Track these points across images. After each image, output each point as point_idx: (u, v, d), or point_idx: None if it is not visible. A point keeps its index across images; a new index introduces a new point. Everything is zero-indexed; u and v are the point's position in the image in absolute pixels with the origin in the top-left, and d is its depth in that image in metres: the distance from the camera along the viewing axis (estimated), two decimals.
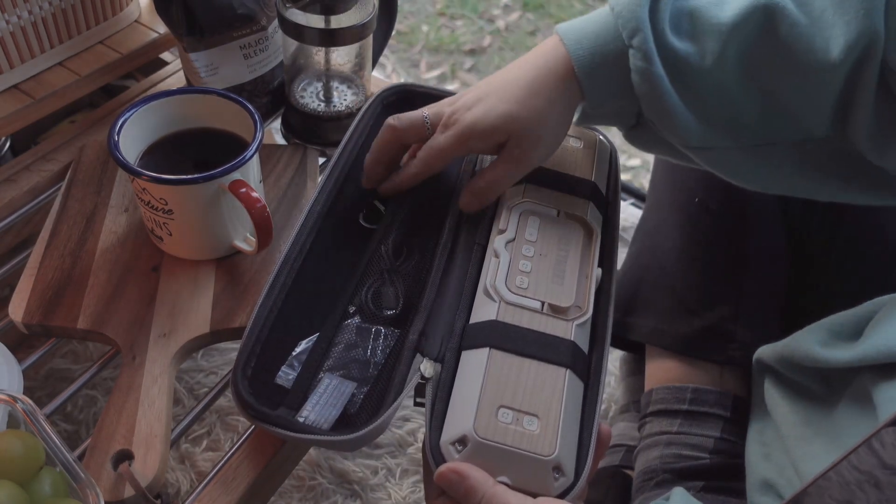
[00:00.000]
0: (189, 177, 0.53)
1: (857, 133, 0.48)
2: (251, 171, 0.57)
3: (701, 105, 0.50)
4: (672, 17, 0.49)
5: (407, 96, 0.66)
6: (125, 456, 0.48)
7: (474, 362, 0.46)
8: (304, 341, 0.51)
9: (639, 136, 0.55)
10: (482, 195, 0.55)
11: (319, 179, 0.60)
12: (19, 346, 0.59)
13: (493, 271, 0.51)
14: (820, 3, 0.46)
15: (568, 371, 0.46)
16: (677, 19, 0.49)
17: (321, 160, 0.71)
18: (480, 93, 0.53)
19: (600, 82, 0.51)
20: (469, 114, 0.52)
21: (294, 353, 0.50)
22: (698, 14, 0.48)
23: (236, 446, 0.52)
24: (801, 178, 0.52)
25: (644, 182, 1.36)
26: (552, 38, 0.52)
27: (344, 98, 0.72)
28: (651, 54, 0.48)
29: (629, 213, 1.13)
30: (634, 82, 0.49)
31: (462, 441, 0.43)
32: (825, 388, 0.52)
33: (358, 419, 0.47)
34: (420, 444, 0.84)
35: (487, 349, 0.46)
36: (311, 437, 0.46)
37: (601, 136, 0.62)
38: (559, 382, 0.45)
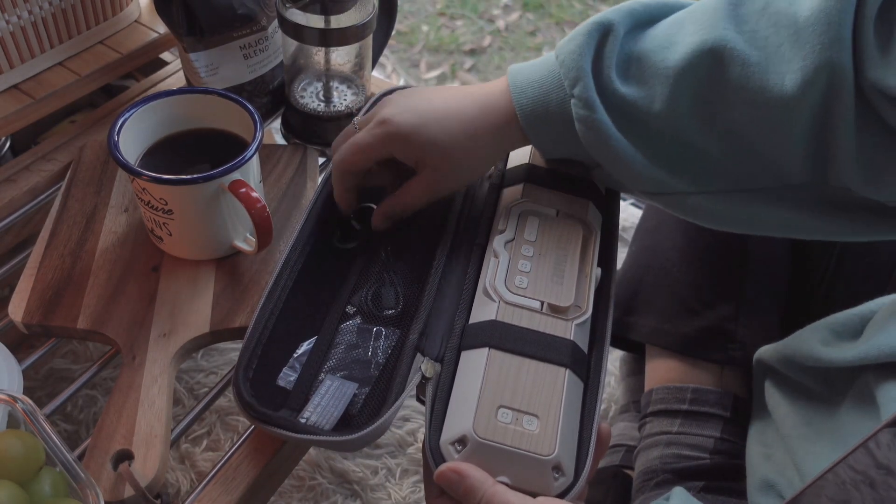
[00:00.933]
0: (189, 177, 0.53)
1: (844, 171, 0.46)
2: (251, 171, 0.57)
3: (655, 149, 0.49)
4: (619, 63, 0.49)
5: None
6: (125, 456, 0.48)
7: (474, 362, 0.46)
8: (305, 343, 0.51)
9: (603, 178, 0.55)
10: (396, 217, 0.56)
11: (319, 180, 0.60)
12: (19, 346, 0.59)
13: (493, 271, 0.51)
14: (775, 38, 0.44)
15: (567, 371, 0.46)
16: (625, 64, 0.49)
17: (321, 160, 0.71)
18: (420, 108, 0.52)
19: (544, 131, 0.51)
20: (402, 122, 0.51)
21: (295, 355, 0.50)
22: (646, 58, 0.48)
23: (236, 446, 0.52)
24: (784, 221, 0.50)
25: None
26: (503, 79, 0.52)
27: (344, 98, 0.72)
28: (593, 102, 0.47)
29: (629, 213, 1.13)
30: (579, 131, 0.49)
31: (462, 441, 0.43)
32: (826, 388, 0.52)
33: (360, 419, 0.47)
34: (420, 444, 0.84)
35: (487, 349, 0.46)
36: (313, 437, 0.46)
37: None
38: (559, 382, 0.45)
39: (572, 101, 0.48)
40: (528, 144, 0.53)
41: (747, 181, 0.49)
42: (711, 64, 0.46)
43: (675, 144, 0.49)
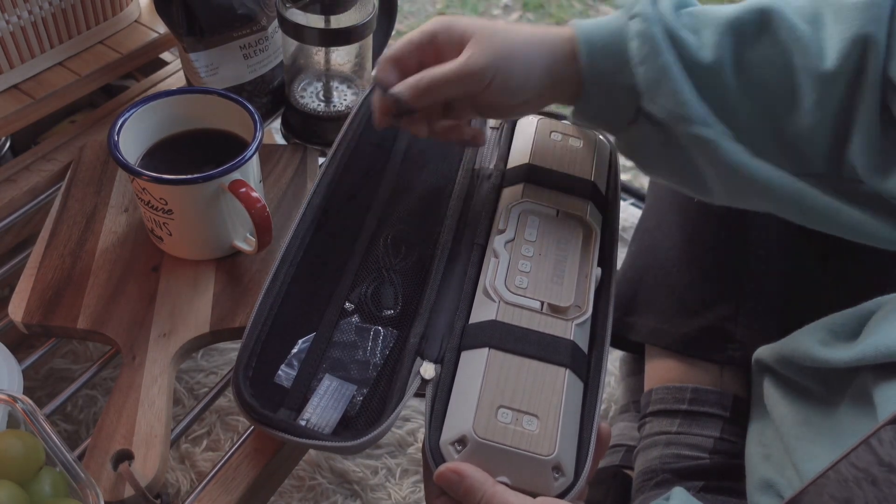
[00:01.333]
0: (189, 177, 0.53)
1: (857, 157, 0.47)
2: (251, 171, 0.57)
3: (699, 83, 0.49)
4: (675, 8, 0.50)
5: None
6: (125, 456, 0.48)
7: (474, 362, 0.46)
8: (301, 340, 0.51)
9: (634, 137, 0.54)
10: (420, 90, 0.50)
11: (317, 175, 0.60)
12: (19, 346, 0.59)
13: (493, 271, 0.51)
14: (820, 10, 0.46)
15: (567, 371, 0.46)
16: (679, 13, 0.50)
17: (321, 160, 0.71)
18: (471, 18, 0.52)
19: (599, 52, 0.50)
20: (450, 16, 0.52)
21: (293, 352, 0.50)
22: (700, 12, 0.50)
23: (236, 446, 0.52)
24: (799, 197, 0.50)
25: (644, 182, 1.36)
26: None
27: (344, 98, 0.72)
28: (650, 18, 0.48)
29: (629, 213, 1.13)
30: (632, 49, 0.49)
31: (461, 441, 0.43)
32: (824, 388, 0.52)
33: (358, 421, 0.47)
34: (420, 444, 0.84)
35: (487, 349, 0.46)
36: (314, 442, 0.46)
37: (601, 136, 0.62)
38: (559, 382, 0.45)
39: (631, 22, 0.49)
40: (576, 85, 0.51)
41: (771, 161, 0.50)
42: (759, 20, 0.48)
43: (716, 92, 0.49)
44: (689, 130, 0.49)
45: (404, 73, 0.52)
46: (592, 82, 0.51)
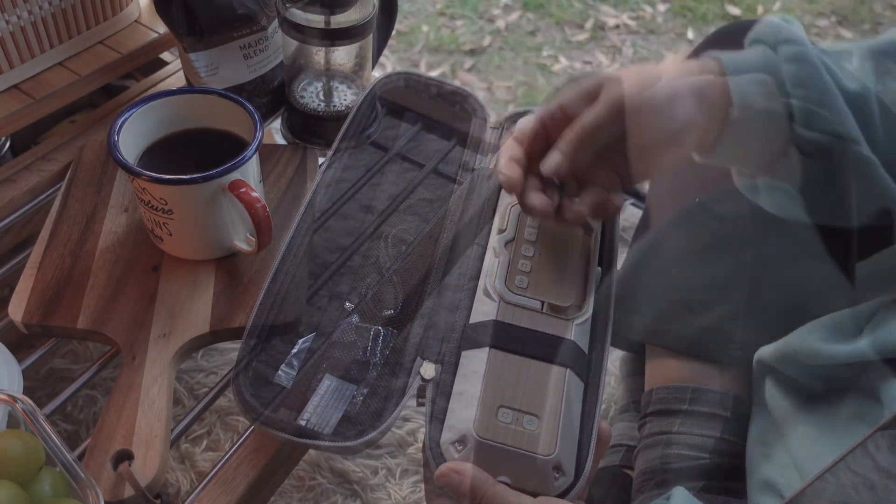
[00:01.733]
0: (189, 177, 0.53)
1: None
2: (251, 171, 0.57)
3: (850, 102, 0.48)
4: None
5: (407, 83, 0.66)
6: (125, 456, 0.48)
7: (474, 362, 0.46)
8: (301, 340, 0.51)
9: (782, 175, 0.51)
10: (577, 143, 0.48)
11: (317, 175, 0.60)
12: (19, 346, 0.59)
13: (493, 271, 0.51)
14: None
15: (568, 371, 0.46)
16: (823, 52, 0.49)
17: (321, 160, 0.71)
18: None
19: (747, 78, 0.48)
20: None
21: (293, 352, 0.50)
22: (831, 46, 0.49)
23: (236, 446, 0.52)
24: None
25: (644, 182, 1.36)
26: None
27: (344, 98, 0.72)
28: (802, 40, 0.47)
29: (629, 213, 1.13)
30: (788, 72, 0.47)
31: (462, 441, 0.43)
32: (826, 387, 0.52)
33: (358, 421, 0.47)
34: (420, 444, 0.84)
35: (487, 349, 0.46)
36: (314, 442, 0.46)
37: None
38: (559, 382, 0.45)
39: (781, 48, 0.48)
40: (722, 110, 0.48)
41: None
42: None
43: (863, 127, 0.47)
44: (855, 150, 0.47)
45: (531, 158, 0.50)
46: (741, 107, 0.48)
